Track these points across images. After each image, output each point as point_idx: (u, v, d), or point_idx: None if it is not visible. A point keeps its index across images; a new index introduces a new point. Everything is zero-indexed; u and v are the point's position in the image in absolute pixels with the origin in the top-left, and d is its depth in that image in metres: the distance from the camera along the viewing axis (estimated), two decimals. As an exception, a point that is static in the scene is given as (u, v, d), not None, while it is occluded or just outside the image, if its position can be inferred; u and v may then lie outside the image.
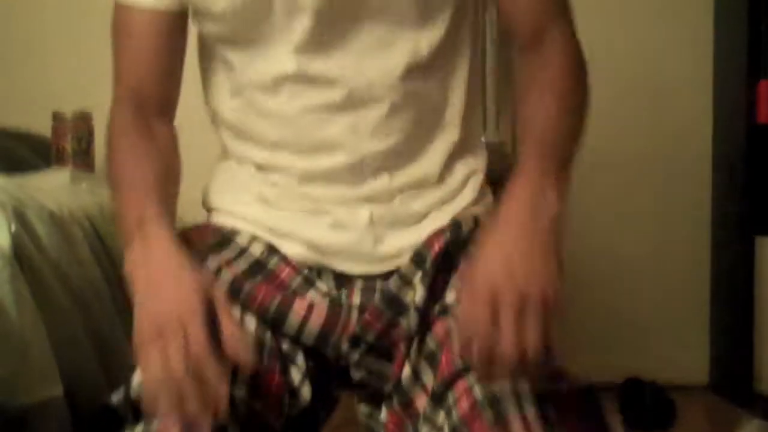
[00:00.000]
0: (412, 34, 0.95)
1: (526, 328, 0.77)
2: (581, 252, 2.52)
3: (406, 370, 0.92)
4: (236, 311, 0.91)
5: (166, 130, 1.03)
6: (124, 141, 0.99)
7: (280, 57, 0.95)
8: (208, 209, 1.06)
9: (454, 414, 0.83)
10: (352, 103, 0.95)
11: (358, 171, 0.97)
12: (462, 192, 1.02)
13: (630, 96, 2.61)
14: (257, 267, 0.97)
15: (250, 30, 0.95)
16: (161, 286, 0.84)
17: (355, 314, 0.94)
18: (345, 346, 0.94)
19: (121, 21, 1.02)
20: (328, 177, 0.98)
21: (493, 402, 0.81)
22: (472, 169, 1.03)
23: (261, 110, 0.98)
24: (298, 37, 0.94)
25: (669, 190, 2.68)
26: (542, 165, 0.89)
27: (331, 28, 0.94)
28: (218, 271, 0.95)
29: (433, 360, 0.90)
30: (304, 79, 0.95)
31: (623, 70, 2.56)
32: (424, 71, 0.97)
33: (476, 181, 1.03)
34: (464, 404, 0.83)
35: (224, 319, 0.82)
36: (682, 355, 2.65)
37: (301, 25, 0.93)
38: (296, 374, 0.93)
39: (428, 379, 0.90)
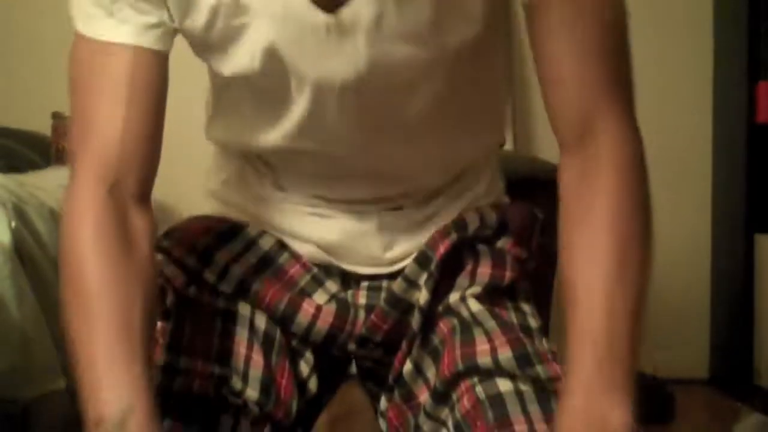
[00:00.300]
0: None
1: None
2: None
3: (408, 365, 0.91)
4: (246, 310, 0.90)
5: (145, 226, 0.79)
6: (97, 248, 0.75)
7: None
8: (213, 196, 0.98)
9: (457, 411, 0.84)
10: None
11: (372, 183, 0.93)
12: (473, 188, 0.98)
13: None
14: (266, 262, 0.92)
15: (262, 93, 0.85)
16: None
17: (362, 315, 0.92)
18: (352, 346, 0.93)
19: (90, 61, 0.79)
20: (342, 183, 0.94)
21: (496, 401, 0.81)
22: (483, 164, 1.00)
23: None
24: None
25: (669, 189, 2.68)
26: (601, 374, 0.70)
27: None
28: (226, 267, 0.90)
29: (436, 355, 0.90)
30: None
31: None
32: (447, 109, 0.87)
33: (487, 174, 1.00)
34: (466, 403, 0.83)
35: None
36: (682, 349, 2.66)
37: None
38: (305, 368, 0.93)
39: (431, 373, 0.90)
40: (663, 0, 2.61)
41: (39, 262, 1.26)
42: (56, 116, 2.08)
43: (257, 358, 0.88)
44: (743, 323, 2.44)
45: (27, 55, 2.46)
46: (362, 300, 0.95)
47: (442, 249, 0.91)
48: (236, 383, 0.87)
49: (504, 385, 0.83)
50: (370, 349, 0.93)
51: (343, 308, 0.92)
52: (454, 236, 0.92)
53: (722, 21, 2.60)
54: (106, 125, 0.77)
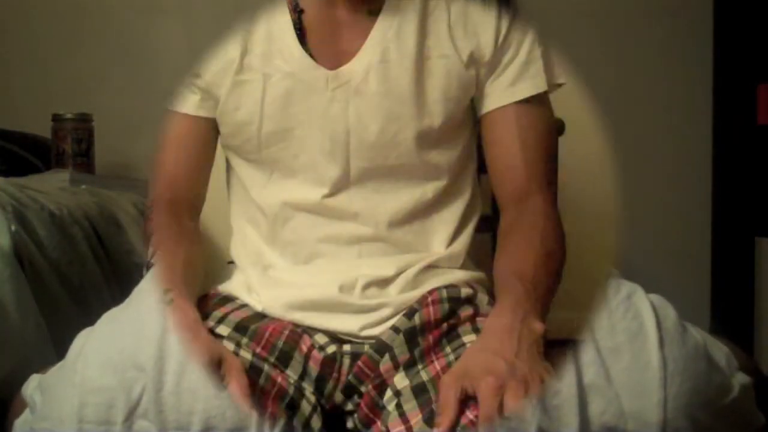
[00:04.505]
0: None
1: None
2: (579, 251, 2.51)
3: (389, 395, 0.93)
4: (247, 354, 0.95)
5: (192, 225, 1.11)
6: (158, 228, 1.08)
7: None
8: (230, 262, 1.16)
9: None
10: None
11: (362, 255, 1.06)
12: (454, 247, 1.09)
13: (629, 98, 2.62)
14: (261, 315, 1.02)
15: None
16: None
17: (347, 363, 0.97)
18: (339, 396, 0.98)
19: (167, 125, 1.10)
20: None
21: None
22: (468, 237, 1.11)
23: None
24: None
25: (669, 190, 2.68)
26: (525, 298, 0.90)
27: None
28: (224, 317, 1.00)
29: (422, 391, 0.90)
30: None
31: (622, 74, 2.57)
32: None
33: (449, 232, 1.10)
34: (470, 414, 0.82)
35: (233, 377, 0.84)
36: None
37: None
38: (306, 407, 0.94)
39: (410, 406, 0.89)
40: (662, 1, 2.62)
41: (39, 266, 1.26)
42: (56, 118, 2.07)
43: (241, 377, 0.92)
44: (743, 328, 2.43)
45: (27, 57, 2.46)
46: (348, 348, 0.99)
47: (432, 311, 0.98)
48: None
49: None
50: (356, 402, 0.97)
51: (330, 359, 0.97)
52: (444, 294, 1.01)
53: (722, 23, 2.60)
54: (164, 166, 1.10)
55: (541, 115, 1.06)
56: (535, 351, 0.84)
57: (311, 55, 1.03)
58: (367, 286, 1.01)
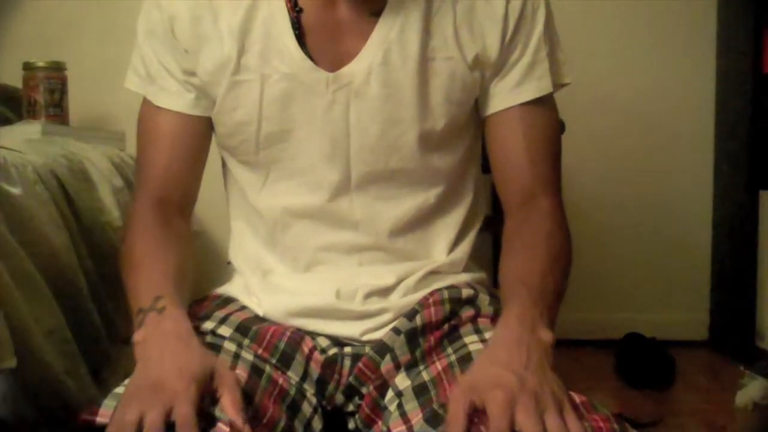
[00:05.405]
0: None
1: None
2: (582, 204, 2.45)
3: (391, 396, 0.94)
4: (249, 355, 0.95)
5: (184, 225, 1.06)
6: (145, 231, 1.01)
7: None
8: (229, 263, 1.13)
9: None
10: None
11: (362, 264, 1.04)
12: (455, 254, 1.07)
13: (631, 46, 2.53)
14: (262, 317, 1.02)
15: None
16: (167, 353, 0.85)
17: (347, 364, 0.98)
18: (340, 397, 0.98)
19: (148, 119, 1.05)
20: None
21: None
22: (469, 243, 1.09)
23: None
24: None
25: (671, 143, 2.61)
26: (533, 307, 0.89)
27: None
28: (225, 318, 1.00)
29: (423, 391, 0.90)
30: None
31: (623, 21, 2.51)
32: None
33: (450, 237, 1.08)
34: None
35: (226, 391, 0.82)
36: (683, 311, 2.61)
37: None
38: (307, 409, 0.95)
39: (411, 406, 0.89)
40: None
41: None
42: (27, 67, 1.96)
43: (242, 374, 0.90)
44: (745, 284, 2.37)
45: (-4, 2, 2.35)
46: (349, 350, 0.99)
47: (433, 312, 0.98)
48: None
49: None
50: (357, 402, 0.97)
51: (331, 361, 0.98)
52: (446, 294, 1.01)
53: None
54: (153, 166, 1.04)
55: (546, 115, 1.04)
56: (545, 362, 0.83)
57: (310, 56, 0.98)
58: (368, 295, 1.01)
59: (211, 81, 1.00)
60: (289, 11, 0.98)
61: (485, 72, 1.01)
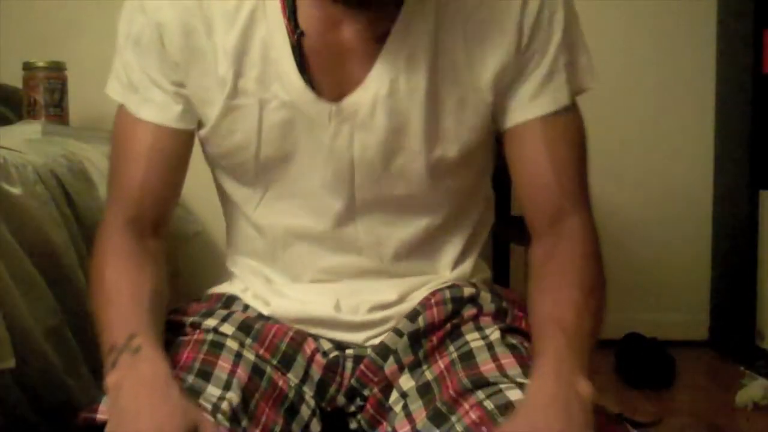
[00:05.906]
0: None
1: None
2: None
3: (395, 397, 0.93)
4: (234, 344, 0.93)
5: (158, 244, 0.99)
6: (118, 257, 0.94)
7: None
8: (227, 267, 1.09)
9: (460, 425, 0.82)
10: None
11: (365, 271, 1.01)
12: (461, 269, 1.04)
13: (631, 44, 2.53)
14: (265, 317, 1.00)
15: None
16: (144, 404, 0.78)
17: (349, 366, 0.96)
18: (341, 399, 0.96)
19: (124, 130, 0.97)
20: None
21: (506, 408, 0.80)
22: (476, 255, 1.06)
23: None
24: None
25: (671, 142, 2.61)
26: (570, 356, 0.83)
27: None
28: (228, 316, 0.98)
29: (427, 390, 0.89)
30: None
31: (624, 20, 2.50)
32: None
33: (473, 258, 1.05)
34: (473, 415, 0.82)
35: None
36: (683, 311, 2.61)
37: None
38: (306, 411, 0.94)
39: (416, 406, 0.88)
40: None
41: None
42: (28, 67, 1.96)
43: (242, 374, 0.89)
44: (745, 284, 2.37)
45: (-3, 2, 2.35)
46: (351, 351, 0.98)
47: (435, 314, 0.96)
48: (214, 390, 0.85)
49: (514, 394, 0.82)
50: (359, 404, 0.96)
51: (333, 363, 0.96)
52: (448, 294, 0.98)
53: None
54: (129, 181, 0.96)
55: (569, 126, 0.96)
56: (584, 421, 0.77)
57: (311, 83, 0.91)
58: (370, 310, 0.99)
59: (205, 99, 0.93)
60: (289, 34, 0.91)
61: (500, 87, 0.93)
